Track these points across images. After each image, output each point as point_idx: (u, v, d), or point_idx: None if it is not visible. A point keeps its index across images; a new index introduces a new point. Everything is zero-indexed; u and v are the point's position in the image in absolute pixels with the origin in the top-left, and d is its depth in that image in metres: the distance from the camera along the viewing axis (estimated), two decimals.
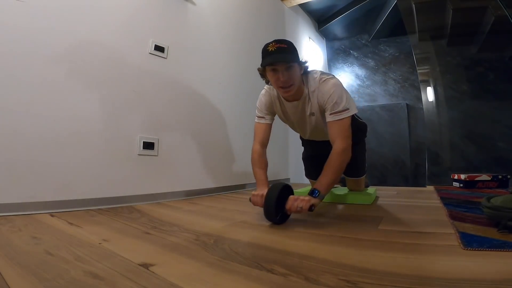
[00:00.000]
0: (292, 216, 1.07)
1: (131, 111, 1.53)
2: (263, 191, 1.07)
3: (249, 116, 2.42)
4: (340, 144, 1.07)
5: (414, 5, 2.89)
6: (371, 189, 1.68)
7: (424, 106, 3.08)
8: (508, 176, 2.13)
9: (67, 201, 1.24)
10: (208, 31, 2.07)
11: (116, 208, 1.32)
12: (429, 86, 3.05)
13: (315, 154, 1.54)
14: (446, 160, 2.90)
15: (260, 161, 1.25)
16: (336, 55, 4.42)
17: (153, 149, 1.60)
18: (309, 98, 1.16)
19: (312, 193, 1.01)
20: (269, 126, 1.29)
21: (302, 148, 1.72)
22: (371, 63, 4.18)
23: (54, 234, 0.87)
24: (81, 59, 1.35)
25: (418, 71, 3.15)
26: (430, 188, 2.27)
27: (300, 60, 1.11)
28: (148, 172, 1.57)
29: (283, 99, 1.21)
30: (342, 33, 4.30)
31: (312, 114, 1.21)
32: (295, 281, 0.54)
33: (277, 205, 0.97)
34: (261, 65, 1.08)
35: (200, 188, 1.86)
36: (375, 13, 3.80)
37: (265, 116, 1.28)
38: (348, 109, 1.09)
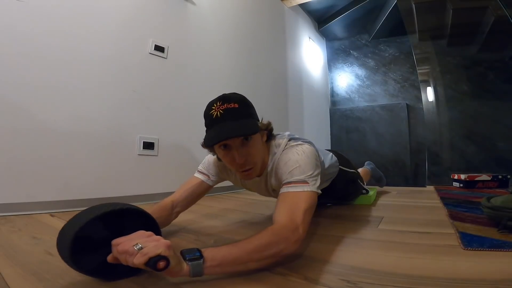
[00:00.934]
0: None
1: (131, 111, 1.53)
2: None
3: None
4: (283, 222, 0.62)
5: (414, 5, 2.89)
6: (371, 189, 1.68)
7: (424, 106, 3.08)
8: (508, 176, 2.13)
9: (67, 201, 1.24)
10: (208, 31, 2.07)
11: None
12: (429, 86, 3.05)
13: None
14: (446, 160, 2.90)
15: (156, 211, 0.83)
16: (336, 55, 4.42)
17: (153, 149, 1.60)
18: (273, 172, 0.85)
19: (188, 252, 0.51)
20: (206, 187, 0.96)
21: None
22: (371, 63, 4.17)
23: (54, 234, 0.86)
24: (81, 59, 1.35)
25: (418, 71, 3.15)
26: (430, 188, 2.28)
27: (259, 123, 0.79)
28: (148, 172, 1.57)
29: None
30: (342, 33, 4.30)
31: (274, 191, 0.91)
32: (295, 281, 0.54)
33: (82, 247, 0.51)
34: (205, 142, 0.74)
35: None
36: (375, 13, 3.79)
37: (210, 176, 0.96)
38: (306, 182, 0.71)
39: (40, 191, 1.18)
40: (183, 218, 1.16)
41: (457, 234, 0.81)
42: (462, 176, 2.15)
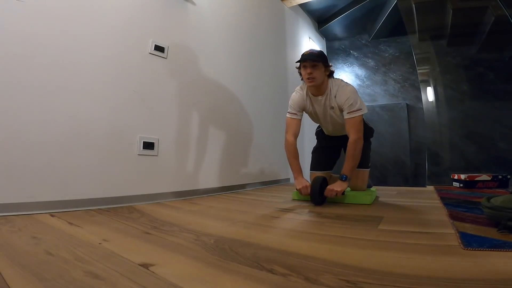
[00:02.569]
0: (292, 216, 1.09)
1: (131, 111, 1.53)
2: (303, 182, 1.49)
3: (249, 116, 2.43)
4: (353, 135, 1.43)
5: (414, 5, 2.89)
6: (372, 189, 1.68)
7: (424, 106, 3.08)
8: (508, 176, 2.13)
9: (67, 201, 1.24)
10: (208, 31, 2.07)
11: (116, 208, 1.32)
12: (429, 86, 3.05)
13: (327, 146, 1.80)
14: (446, 160, 2.89)
15: (295, 151, 1.55)
16: (336, 55, 4.42)
17: (153, 149, 1.60)
18: (331, 95, 1.49)
19: (341, 178, 1.42)
20: (300, 121, 1.60)
21: (305, 148, 1.77)
22: (371, 63, 4.18)
23: (54, 234, 0.87)
24: (81, 59, 1.35)
25: (418, 71, 3.15)
26: (430, 188, 2.28)
27: (327, 64, 1.48)
28: (148, 172, 1.57)
29: (311, 94, 1.54)
30: (342, 33, 4.30)
31: (331, 108, 1.52)
32: (295, 281, 0.54)
33: (320, 192, 1.40)
34: (297, 62, 1.49)
35: (200, 188, 1.86)
36: (375, 13, 3.79)
37: (296, 113, 1.58)
38: (361, 109, 1.44)
39: (40, 191, 1.18)
40: (183, 218, 1.17)
41: (457, 234, 0.81)
42: (462, 176, 2.15)
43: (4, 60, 1.12)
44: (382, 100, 4.02)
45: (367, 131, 1.65)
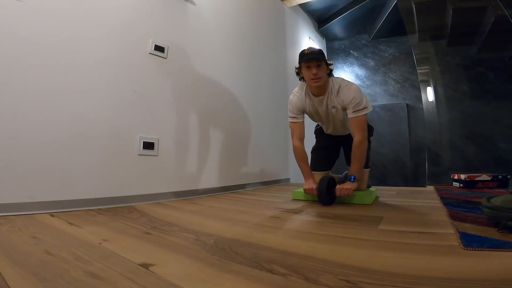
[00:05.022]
0: (292, 216, 1.08)
1: (131, 111, 1.53)
2: (311, 184, 1.48)
3: (249, 116, 2.43)
4: (359, 136, 1.42)
5: (414, 5, 2.89)
6: (371, 189, 1.68)
7: (424, 106, 3.08)
8: (508, 176, 2.13)
9: (67, 201, 1.24)
10: (208, 31, 2.07)
11: (116, 208, 1.32)
12: (429, 86, 3.05)
13: (326, 146, 1.80)
14: (446, 160, 2.89)
15: (303, 155, 1.56)
16: (336, 55, 4.42)
17: (153, 149, 1.60)
18: (332, 95, 1.47)
19: (349, 179, 1.43)
20: (303, 124, 1.58)
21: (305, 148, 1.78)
22: (371, 63, 4.17)
23: (54, 234, 0.87)
24: (81, 59, 1.35)
25: (418, 71, 3.15)
26: (430, 188, 2.28)
27: (327, 62, 1.45)
28: (148, 172, 1.57)
29: (311, 94, 1.52)
30: (342, 33, 4.30)
31: (333, 107, 1.49)
32: (295, 281, 0.54)
33: (327, 192, 1.37)
34: (299, 62, 1.45)
35: (200, 188, 1.86)
36: (375, 13, 3.79)
37: (297, 116, 1.56)
38: (366, 107, 1.42)
39: (40, 191, 1.18)
40: (183, 218, 1.17)
41: (457, 234, 0.81)
42: (462, 176, 2.15)
43: (3, 60, 1.12)
44: (382, 100, 4.02)
45: (369, 129, 1.64)
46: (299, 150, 1.55)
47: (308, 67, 1.40)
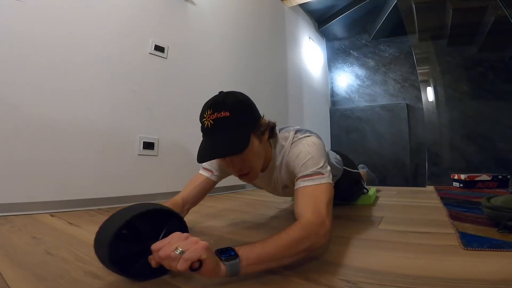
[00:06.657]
0: (292, 216, 0.92)
1: (131, 111, 1.53)
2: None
3: None
4: (309, 217, 0.63)
5: (414, 5, 2.89)
6: (371, 189, 1.68)
7: (424, 106, 3.08)
8: (508, 176, 2.13)
9: (67, 201, 1.24)
10: (208, 31, 2.07)
11: (116, 208, 1.31)
12: (429, 86, 3.05)
13: None
14: (446, 160, 2.89)
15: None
16: (336, 55, 4.42)
17: (153, 149, 1.60)
18: (279, 167, 0.86)
19: (223, 252, 0.52)
20: (212, 183, 0.97)
21: None
22: (371, 63, 4.17)
23: (54, 234, 0.87)
24: (81, 59, 1.35)
25: (418, 71, 3.15)
26: (430, 188, 2.28)
27: (258, 123, 0.77)
28: (148, 172, 1.57)
29: None
30: (342, 33, 4.30)
31: (285, 187, 0.92)
32: (295, 281, 0.54)
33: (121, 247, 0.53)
34: (197, 157, 0.70)
35: None
36: (375, 13, 3.79)
37: (213, 171, 0.96)
38: (322, 174, 0.72)
39: (40, 191, 1.18)
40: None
41: (457, 234, 0.81)
42: (462, 176, 2.15)
43: (3, 59, 1.12)
44: (382, 100, 4.02)
45: (355, 185, 1.35)
46: (169, 204, 0.87)
47: (223, 160, 0.76)
